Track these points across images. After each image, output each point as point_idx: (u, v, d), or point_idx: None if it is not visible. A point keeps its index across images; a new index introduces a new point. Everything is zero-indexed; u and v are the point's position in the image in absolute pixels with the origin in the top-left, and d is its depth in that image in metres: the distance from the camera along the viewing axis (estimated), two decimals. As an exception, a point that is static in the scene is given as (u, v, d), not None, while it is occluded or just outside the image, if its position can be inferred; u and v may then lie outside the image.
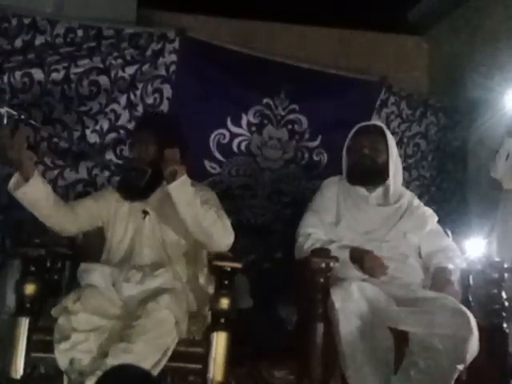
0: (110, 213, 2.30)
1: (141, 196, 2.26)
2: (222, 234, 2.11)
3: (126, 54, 2.93)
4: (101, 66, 2.89)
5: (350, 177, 2.51)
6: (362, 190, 2.48)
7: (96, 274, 2.07)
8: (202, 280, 2.20)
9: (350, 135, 2.53)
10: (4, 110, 2.33)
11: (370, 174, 2.46)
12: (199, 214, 2.06)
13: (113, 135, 2.95)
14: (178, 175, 2.04)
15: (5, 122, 2.33)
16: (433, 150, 3.73)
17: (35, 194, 2.08)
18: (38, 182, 2.08)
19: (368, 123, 2.63)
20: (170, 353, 1.92)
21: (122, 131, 2.96)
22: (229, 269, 2.00)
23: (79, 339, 1.89)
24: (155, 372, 1.85)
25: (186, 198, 2.06)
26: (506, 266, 2.19)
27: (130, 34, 2.92)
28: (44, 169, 2.85)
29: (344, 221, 2.41)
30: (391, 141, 2.50)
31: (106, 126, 2.94)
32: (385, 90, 3.46)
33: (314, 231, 2.38)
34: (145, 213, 2.25)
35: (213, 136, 3.14)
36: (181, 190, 2.05)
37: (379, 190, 2.48)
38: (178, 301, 1.99)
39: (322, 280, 2.07)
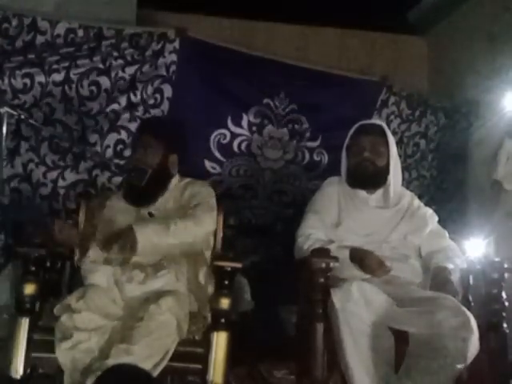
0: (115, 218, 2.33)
1: (148, 201, 2.30)
2: (197, 232, 2.18)
3: (126, 55, 2.93)
4: (101, 66, 2.90)
5: (349, 180, 2.50)
6: (361, 193, 2.47)
7: (99, 274, 2.08)
8: (202, 280, 2.20)
9: (350, 133, 2.52)
10: (4, 110, 2.32)
11: (371, 178, 2.45)
12: (171, 243, 2.12)
13: (113, 135, 2.96)
14: (133, 247, 2.08)
15: (5, 122, 2.33)
16: (432, 150, 3.73)
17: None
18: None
19: (369, 122, 2.60)
20: (170, 354, 1.92)
21: (122, 131, 2.96)
22: (229, 269, 1.99)
23: (81, 338, 1.89)
24: (155, 373, 1.85)
25: (153, 248, 2.10)
26: (506, 265, 2.18)
27: (130, 35, 2.93)
28: (45, 169, 2.86)
29: (345, 223, 2.40)
30: (392, 142, 2.48)
31: (106, 126, 2.95)
32: (385, 90, 3.46)
33: (313, 232, 2.37)
34: (150, 215, 2.26)
35: (213, 136, 3.15)
36: (145, 250, 2.09)
37: (379, 192, 2.48)
38: (180, 303, 2.00)
39: (322, 280, 2.06)
